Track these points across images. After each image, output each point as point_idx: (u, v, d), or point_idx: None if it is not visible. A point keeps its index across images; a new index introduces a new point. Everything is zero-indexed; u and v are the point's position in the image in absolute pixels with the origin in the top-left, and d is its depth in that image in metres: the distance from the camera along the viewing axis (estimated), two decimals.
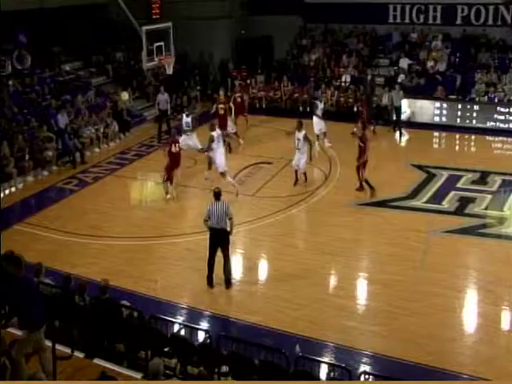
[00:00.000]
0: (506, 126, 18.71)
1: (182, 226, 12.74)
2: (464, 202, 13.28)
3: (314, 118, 17.06)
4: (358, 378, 6.92)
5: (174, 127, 16.97)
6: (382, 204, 13.30)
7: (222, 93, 17.48)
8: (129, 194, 14.97)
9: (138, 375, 6.88)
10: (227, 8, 24.19)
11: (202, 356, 7.17)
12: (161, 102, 18.79)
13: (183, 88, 22.25)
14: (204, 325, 9.04)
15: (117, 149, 18.08)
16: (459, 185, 14.29)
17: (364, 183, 13.62)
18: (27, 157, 15.42)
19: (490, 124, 18.87)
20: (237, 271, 10.62)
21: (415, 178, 14.72)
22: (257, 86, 22.33)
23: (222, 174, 13.94)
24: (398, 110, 18.62)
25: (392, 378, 6.72)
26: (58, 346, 6.72)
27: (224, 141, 16.43)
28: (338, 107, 20.82)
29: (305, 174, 14.38)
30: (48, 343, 6.64)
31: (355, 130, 17.92)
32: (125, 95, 20.46)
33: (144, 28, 17.50)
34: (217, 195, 10.06)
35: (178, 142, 14.09)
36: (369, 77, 20.61)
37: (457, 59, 21.33)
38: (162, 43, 17.72)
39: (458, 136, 18.85)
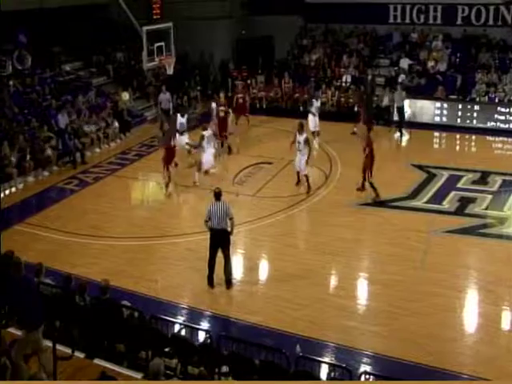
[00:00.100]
0: (507, 126, 18.71)
1: (183, 226, 12.74)
2: (464, 202, 13.28)
3: (309, 115, 17.29)
4: (359, 378, 6.92)
5: (161, 113, 17.37)
6: (383, 204, 13.29)
7: (222, 95, 17.35)
8: (129, 194, 15.00)
9: (139, 375, 6.89)
10: (228, 8, 24.18)
11: (202, 356, 7.16)
12: (163, 101, 18.79)
13: (183, 88, 22.23)
14: (204, 325, 9.04)
15: (117, 149, 18.09)
16: (460, 185, 14.29)
17: (369, 186, 13.48)
18: (28, 157, 15.42)
19: (490, 124, 18.87)
20: (237, 271, 10.62)
21: (415, 178, 14.72)
22: (257, 86, 22.31)
23: (206, 172, 14.33)
24: (401, 111, 18.59)
25: (392, 378, 6.72)
26: (58, 346, 6.72)
27: (222, 143, 16.53)
28: (339, 107, 20.85)
29: (307, 177, 14.06)
30: (48, 343, 6.65)
31: (355, 129, 17.98)
32: (125, 95, 20.46)
33: (144, 28, 17.54)
34: (217, 195, 10.05)
35: (175, 136, 14.51)
36: (369, 77, 20.65)
37: (457, 59, 21.32)
38: (163, 43, 17.75)
39: (458, 136, 18.85)
